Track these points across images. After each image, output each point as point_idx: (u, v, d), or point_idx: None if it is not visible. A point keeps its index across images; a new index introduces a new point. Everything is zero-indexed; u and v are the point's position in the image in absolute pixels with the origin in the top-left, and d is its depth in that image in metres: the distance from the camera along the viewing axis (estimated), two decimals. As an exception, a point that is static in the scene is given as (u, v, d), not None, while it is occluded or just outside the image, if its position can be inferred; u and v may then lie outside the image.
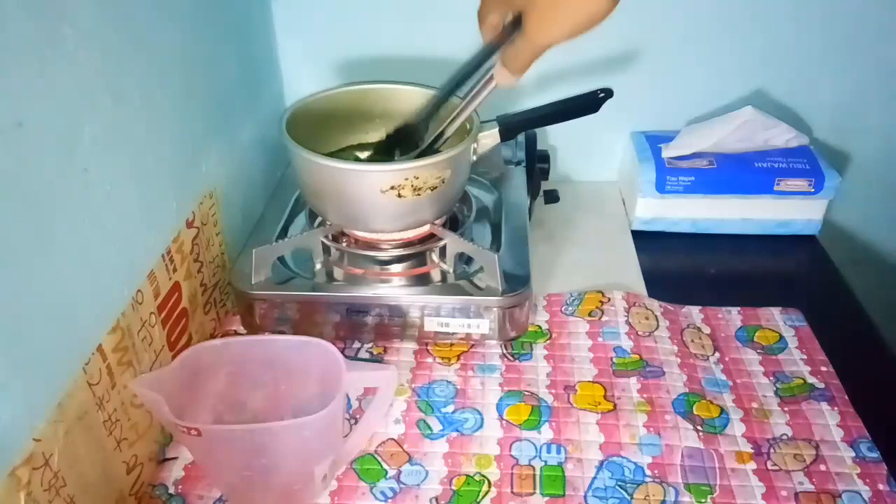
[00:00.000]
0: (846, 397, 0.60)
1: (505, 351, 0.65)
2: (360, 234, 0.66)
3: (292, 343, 0.55)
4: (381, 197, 0.59)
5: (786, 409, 0.59)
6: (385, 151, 0.67)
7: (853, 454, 0.55)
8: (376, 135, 0.71)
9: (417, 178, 0.59)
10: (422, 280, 0.65)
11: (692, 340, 0.66)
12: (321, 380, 0.53)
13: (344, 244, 0.67)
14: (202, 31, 0.63)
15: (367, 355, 0.65)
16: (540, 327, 0.68)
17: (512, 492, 0.53)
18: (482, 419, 0.59)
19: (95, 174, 0.46)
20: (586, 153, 0.92)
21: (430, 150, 0.63)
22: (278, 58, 0.86)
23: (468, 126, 0.64)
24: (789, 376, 0.63)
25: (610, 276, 0.75)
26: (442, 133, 0.62)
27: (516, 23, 0.51)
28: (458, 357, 0.64)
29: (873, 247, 0.96)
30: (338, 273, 0.66)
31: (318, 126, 0.67)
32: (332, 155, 0.67)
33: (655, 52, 0.84)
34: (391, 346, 0.66)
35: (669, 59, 0.84)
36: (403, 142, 0.65)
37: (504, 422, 0.58)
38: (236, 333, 0.67)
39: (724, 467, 0.55)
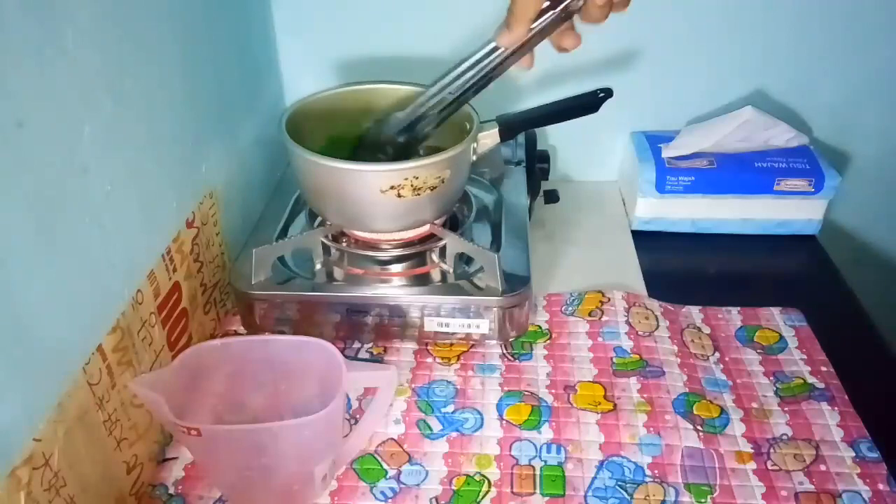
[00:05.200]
0: (846, 397, 0.60)
1: (505, 351, 0.65)
2: (360, 234, 0.66)
3: (292, 343, 0.55)
4: (381, 197, 0.59)
5: (786, 409, 0.59)
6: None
7: (853, 454, 0.55)
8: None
9: (417, 177, 0.59)
10: (422, 280, 0.65)
11: (692, 340, 0.66)
12: (321, 380, 0.53)
13: (344, 244, 0.67)
14: (202, 31, 0.63)
15: (367, 355, 0.65)
16: (540, 327, 0.68)
17: (512, 492, 0.53)
18: (482, 419, 0.59)
19: (95, 174, 0.46)
20: (586, 153, 0.92)
21: (422, 136, 0.62)
22: (278, 58, 0.86)
23: (467, 126, 0.64)
24: (789, 376, 0.63)
25: (610, 276, 0.75)
26: (436, 111, 0.61)
27: None
28: (458, 357, 0.64)
29: (873, 247, 0.96)
30: (338, 273, 0.66)
31: (317, 126, 0.67)
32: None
33: (655, 52, 0.84)
34: (391, 346, 0.66)
35: (669, 59, 0.84)
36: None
37: (504, 422, 0.58)
38: (236, 333, 0.67)
39: (724, 467, 0.55)
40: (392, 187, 0.59)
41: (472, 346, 0.65)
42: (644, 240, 0.82)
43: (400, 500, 0.53)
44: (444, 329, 0.63)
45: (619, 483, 0.53)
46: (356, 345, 0.66)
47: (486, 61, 0.56)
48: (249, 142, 0.76)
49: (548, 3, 0.52)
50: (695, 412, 0.59)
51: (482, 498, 0.53)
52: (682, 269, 0.80)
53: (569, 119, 0.66)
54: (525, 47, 0.55)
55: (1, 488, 0.37)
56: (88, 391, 0.45)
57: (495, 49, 0.55)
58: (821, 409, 0.59)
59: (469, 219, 0.70)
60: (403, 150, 0.64)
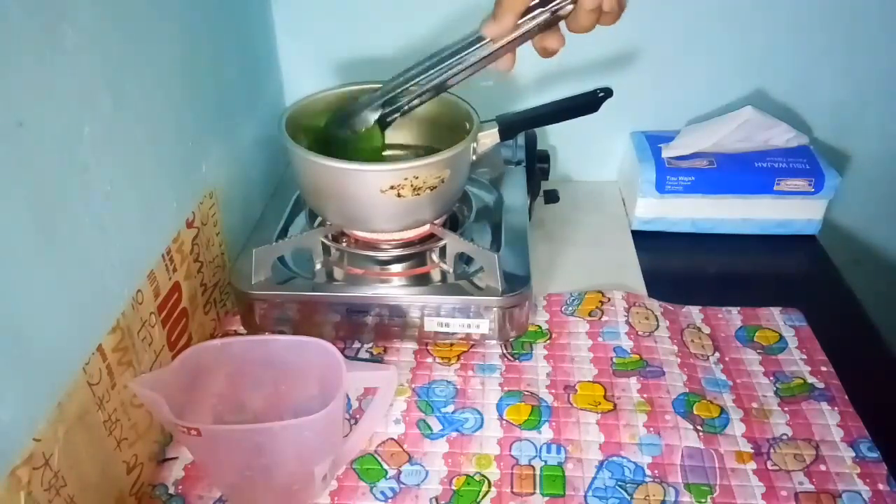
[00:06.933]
0: (846, 397, 0.60)
1: (505, 351, 0.65)
2: (360, 234, 0.66)
3: (292, 343, 0.55)
4: (381, 197, 0.59)
5: (786, 409, 0.59)
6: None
7: (853, 454, 0.55)
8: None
9: (417, 177, 0.59)
10: (422, 280, 0.65)
11: (692, 340, 0.66)
12: (321, 380, 0.53)
13: (344, 244, 0.67)
14: (202, 30, 0.63)
15: (367, 355, 0.65)
16: (540, 327, 0.68)
17: (512, 492, 0.53)
18: (482, 419, 0.59)
19: (95, 174, 0.46)
20: (586, 153, 0.93)
21: (397, 111, 0.62)
22: (278, 58, 0.86)
23: (467, 126, 0.64)
24: (789, 376, 0.63)
25: (610, 276, 0.75)
26: (418, 96, 0.61)
27: None
28: (458, 357, 0.64)
29: (873, 247, 0.96)
30: (338, 273, 0.66)
31: (318, 126, 0.66)
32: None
33: (655, 52, 0.84)
34: (391, 346, 0.66)
35: (669, 59, 0.84)
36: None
37: (504, 422, 0.58)
38: (236, 333, 0.67)
39: (724, 467, 0.55)
40: (392, 187, 0.59)
41: (472, 346, 0.65)
42: (644, 240, 0.82)
43: (400, 500, 0.53)
44: (444, 329, 0.63)
45: (619, 483, 0.53)
46: (356, 345, 0.66)
47: (468, 50, 0.56)
48: (249, 142, 0.76)
49: (536, 2, 0.52)
50: (695, 412, 0.59)
51: (482, 498, 0.53)
52: (682, 269, 0.80)
53: (569, 119, 0.66)
54: (508, 46, 0.55)
55: (1, 488, 0.37)
56: (88, 391, 0.45)
57: (480, 39, 0.55)
58: (821, 409, 0.59)
59: (469, 219, 0.70)
60: (371, 128, 0.63)
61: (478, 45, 0.56)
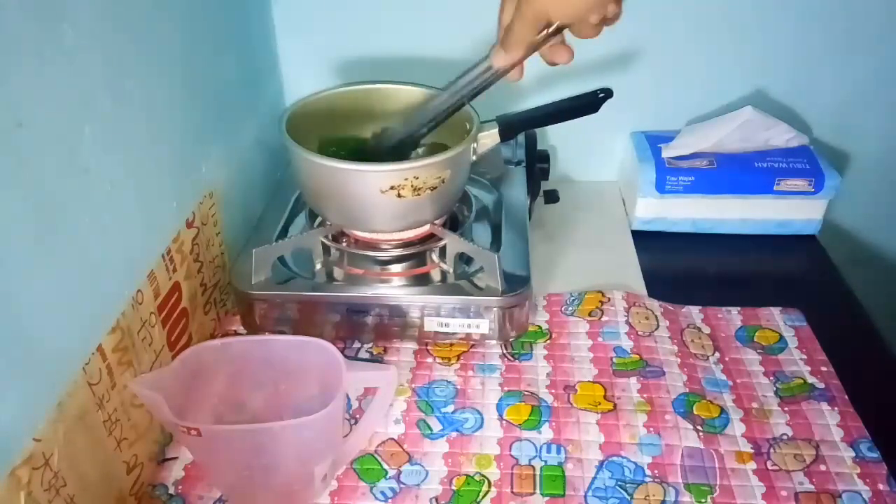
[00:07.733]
0: (846, 397, 0.60)
1: (505, 351, 0.65)
2: (360, 234, 0.66)
3: (292, 343, 0.55)
4: (381, 197, 0.59)
5: (786, 409, 0.59)
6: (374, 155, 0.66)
7: (853, 454, 0.55)
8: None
9: (417, 178, 0.59)
10: (422, 280, 0.65)
11: (692, 340, 0.66)
12: (321, 380, 0.53)
13: (344, 244, 0.67)
14: (202, 30, 0.63)
15: (367, 355, 0.65)
16: (540, 327, 0.68)
17: (512, 492, 0.53)
18: (482, 419, 0.59)
19: (95, 174, 0.46)
20: (586, 153, 0.93)
21: (419, 139, 0.63)
22: (278, 58, 0.86)
23: (468, 126, 0.64)
24: (789, 376, 0.63)
25: (610, 276, 0.75)
26: (433, 120, 0.62)
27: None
28: (458, 357, 0.64)
29: (873, 247, 0.96)
30: (338, 273, 0.66)
31: (318, 126, 0.67)
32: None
33: (655, 52, 0.84)
34: (391, 346, 0.66)
35: (669, 59, 0.84)
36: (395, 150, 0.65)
37: (504, 422, 0.58)
38: (236, 333, 0.67)
39: (724, 467, 0.55)
40: (392, 187, 0.59)
41: (472, 346, 0.65)
42: (644, 240, 0.82)
43: (400, 500, 0.53)
44: (444, 329, 0.63)
45: (619, 483, 0.53)
46: (356, 345, 0.66)
47: (479, 80, 0.57)
48: (249, 142, 0.76)
49: (545, 32, 0.52)
50: (695, 412, 0.59)
51: (482, 498, 0.53)
52: (682, 269, 0.80)
53: (569, 119, 0.66)
54: (517, 63, 0.55)
55: (1, 488, 0.37)
56: (88, 391, 0.45)
57: (489, 68, 0.56)
58: (821, 409, 0.59)
59: (469, 219, 0.70)
60: (398, 157, 0.64)
61: (488, 73, 0.56)
